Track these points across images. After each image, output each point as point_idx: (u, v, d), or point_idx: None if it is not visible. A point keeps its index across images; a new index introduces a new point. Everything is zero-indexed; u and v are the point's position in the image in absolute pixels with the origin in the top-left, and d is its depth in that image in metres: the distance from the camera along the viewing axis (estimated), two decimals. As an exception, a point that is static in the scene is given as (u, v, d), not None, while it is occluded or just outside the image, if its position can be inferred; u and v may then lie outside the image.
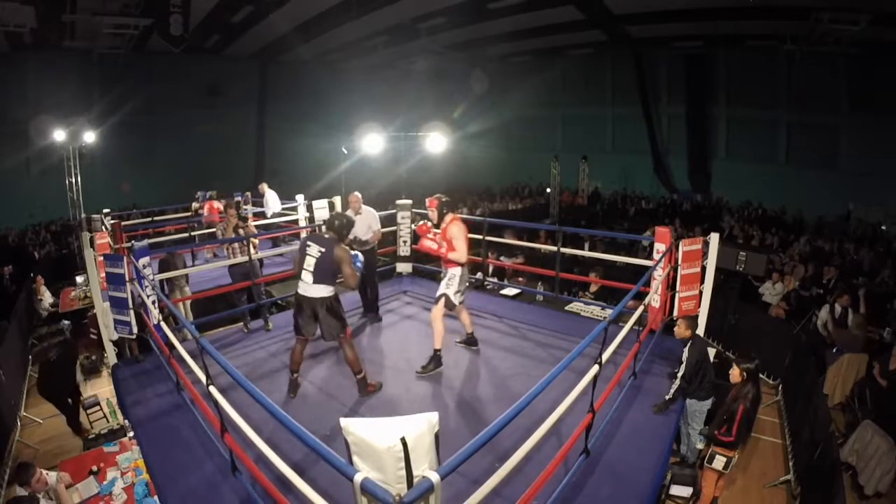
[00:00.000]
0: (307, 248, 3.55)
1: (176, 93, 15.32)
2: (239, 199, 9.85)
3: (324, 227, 3.56)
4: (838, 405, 5.61)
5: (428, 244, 4.19)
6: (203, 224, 8.80)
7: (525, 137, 19.65)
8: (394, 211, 6.56)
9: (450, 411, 3.50)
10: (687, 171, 15.74)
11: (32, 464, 3.41)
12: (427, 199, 4.30)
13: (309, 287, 3.54)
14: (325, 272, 3.51)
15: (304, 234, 3.20)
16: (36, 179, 13.07)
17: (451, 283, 4.14)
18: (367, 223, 5.27)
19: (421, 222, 4.43)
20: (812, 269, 8.43)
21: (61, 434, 5.37)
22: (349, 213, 5.17)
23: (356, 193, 5.32)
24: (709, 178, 15.42)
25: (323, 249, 3.49)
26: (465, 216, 10.67)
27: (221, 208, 8.76)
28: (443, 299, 4.12)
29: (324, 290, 3.55)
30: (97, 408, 5.34)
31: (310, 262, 3.51)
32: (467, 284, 4.34)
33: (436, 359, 4.12)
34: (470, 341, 4.57)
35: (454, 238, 4.07)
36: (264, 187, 9.30)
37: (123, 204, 12.65)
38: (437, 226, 4.25)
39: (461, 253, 4.06)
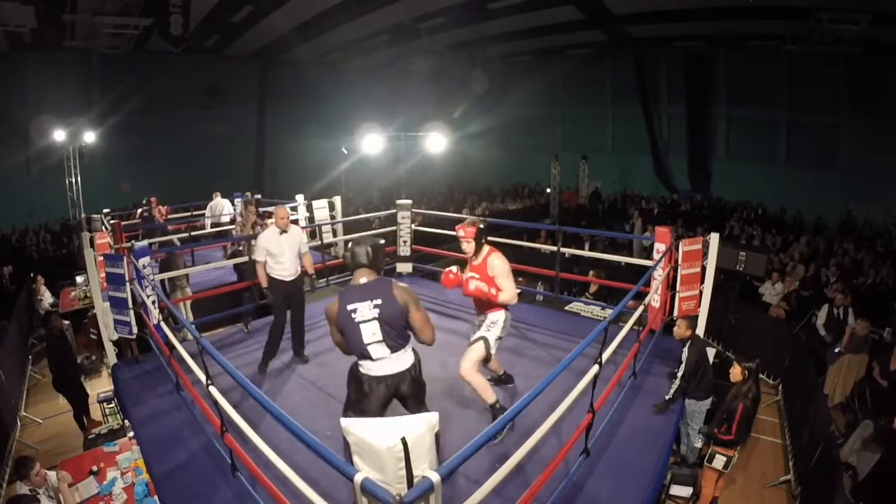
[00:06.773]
0: (353, 315, 2.42)
1: (176, 92, 15.29)
2: (259, 196, 9.98)
3: (357, 274, 2.52)
4: (838, 405, 5.61)
5: (477, 286, 3.14)
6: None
7: (525, 137, 19.60)
8: (394, 211, 6.57)
9: (450, 411, 3.50)
10: (687, 171, 15.72)
11: (32, 457, 3.41)
12: (460, 227, 3.21)
13: (388, 362, 2.47)
14: (398, 329, 2.46)
15: (334, 306, 2.47)
16: (36, 179, 13.04)
17: (492, 328, 3.19)
18: (295, 246, 4.28)
19: (450, 269, 3.29)
20: (812, 269, 8.43)
21: (61, 434, 5.38)
22: (273, 230, 4.16)
23: (284, 208, 4.28)
24: (709, 178, 15.38)
25: (378, 300, 2.42)
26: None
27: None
28: (480, 345, 3.13)
29: (408, 357, 2.54)
30: (112, 403, 5.25)
31: (371, 330, 2.41)
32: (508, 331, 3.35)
33: (500, 410, 3.12)
34: (506, 379, 3.80)
35: (499, 276, 3.14)
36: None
37: (123, 204, 12.64)
38: (464, 262, 3.36)
39: (511, 293, 3.14)
